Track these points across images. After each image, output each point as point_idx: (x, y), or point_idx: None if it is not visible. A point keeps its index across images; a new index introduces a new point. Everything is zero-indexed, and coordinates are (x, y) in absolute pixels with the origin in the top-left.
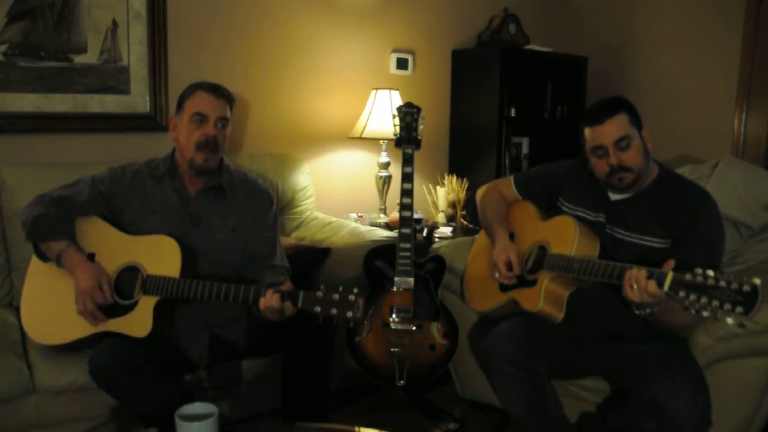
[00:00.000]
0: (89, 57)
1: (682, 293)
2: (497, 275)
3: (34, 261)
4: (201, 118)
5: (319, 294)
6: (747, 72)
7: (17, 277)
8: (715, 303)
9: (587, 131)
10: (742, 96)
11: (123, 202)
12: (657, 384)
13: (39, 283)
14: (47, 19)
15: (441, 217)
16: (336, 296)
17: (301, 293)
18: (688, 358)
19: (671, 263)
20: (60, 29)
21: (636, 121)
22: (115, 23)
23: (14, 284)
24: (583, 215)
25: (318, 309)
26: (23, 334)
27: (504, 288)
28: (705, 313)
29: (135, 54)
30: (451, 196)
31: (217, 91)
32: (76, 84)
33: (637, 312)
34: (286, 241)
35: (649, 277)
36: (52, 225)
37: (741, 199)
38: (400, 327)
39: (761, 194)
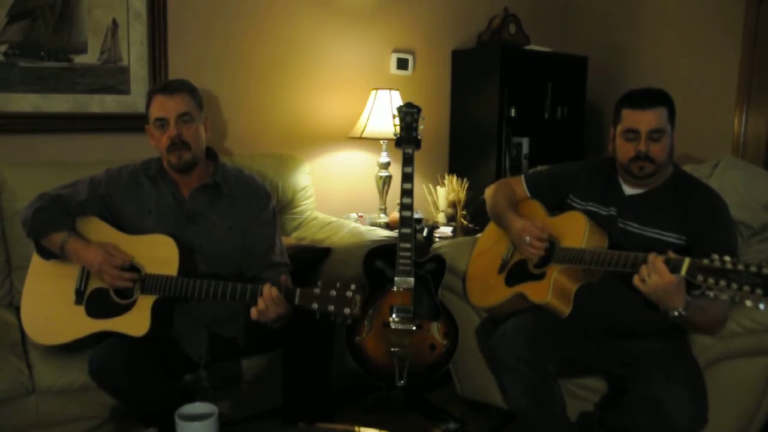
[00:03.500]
0: (89, 57)
1: (700, 277)
2: (528, 239)
3: (35, 261)
4: (162, 123)
5: (317, 291)
6: (747, 72)
7: (17, 277)
8: (734, 286)
9: (626, 112)
10: (742, 96)
11: (120, 202)
12: (654, 381)
13: (40, 283)
14: (47, 19)
15: (441, 217)
16: (333, 293)
17: (298, 290)
18: (686, 355)
19: (670, 253)
20: (60, 29)
21: (672, 119)
22: (115, 23)
23: (14, 284)
24: (595, 209)
25: (315, 306)
26: (23, 334)
27: (510, 283)
28: (724, 297)
29: (135, 54)
30: (452, 196)
31: (168, 89)
32: (76, 84)
33: (667, 316)
34: (286, 241)
35: (665, 263)
36: (53, 217)
37: (741, 199)
38: (400, 327)
39: (761, 194)
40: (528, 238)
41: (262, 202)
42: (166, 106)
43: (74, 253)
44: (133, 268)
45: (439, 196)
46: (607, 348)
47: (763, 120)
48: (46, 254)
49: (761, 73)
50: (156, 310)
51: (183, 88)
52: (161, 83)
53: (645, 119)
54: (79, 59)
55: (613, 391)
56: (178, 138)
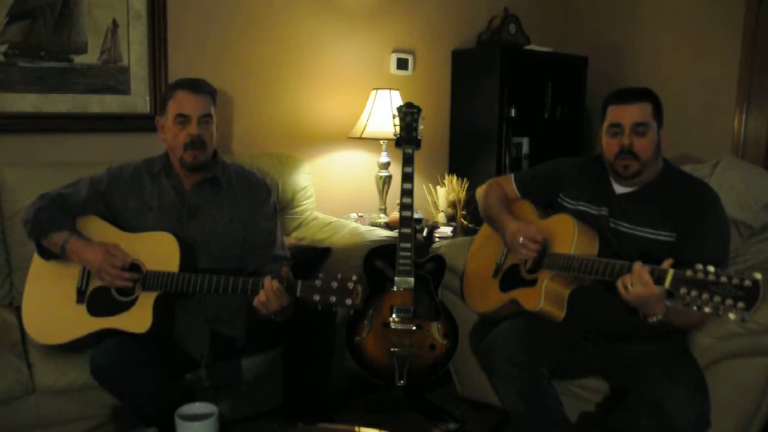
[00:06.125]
0: (89, 57)
1: (683, 290)
2: (521, 240)
3: (36, 261)
4: (183, 119)
5: (318, 282)
6: (747, 72)
7: (17, 277)
8: (717, 299)
9: (610, 109)
10: (742, 96)
11: (121, 200)
12: (657, 384)
13: (40, 283)
14: (47, 19)
15: (441, 217)
16: (334, 284)
17: (299, 282)
18: (687, 358)
19: (670, 262)
20: (60, 29)
21: (658, 116)
22: (115, 23)
23: (14, 284)
24: (586, 209)
25: (317, 297)
26: (23, 334)
27: (504, 288)
28: (707, 309)
29: (135, 54)
30: (452, 196)
31: (196, 88)
32: (76, 84)
33: (646, 320)
34: (287, 241)
35: (650, 274)
36: (54, 217)
37: (741, 198)
38: (400, 327)
39: (761, 194)
40: (521, 239)
41: (263, 196)
42: (191, 104)
43: (75, 253)
44: (134, 266)
45: (439, 196)
46: (606, 350)
47: (763, 120)
48: (47, 255)
49: (761, 73)
50: (158, 307)
51: (207, 89)
52: (186, 79)
53: (628, 113)
54: (79, 59)
55: (614, 392)
56: (198, 138)
